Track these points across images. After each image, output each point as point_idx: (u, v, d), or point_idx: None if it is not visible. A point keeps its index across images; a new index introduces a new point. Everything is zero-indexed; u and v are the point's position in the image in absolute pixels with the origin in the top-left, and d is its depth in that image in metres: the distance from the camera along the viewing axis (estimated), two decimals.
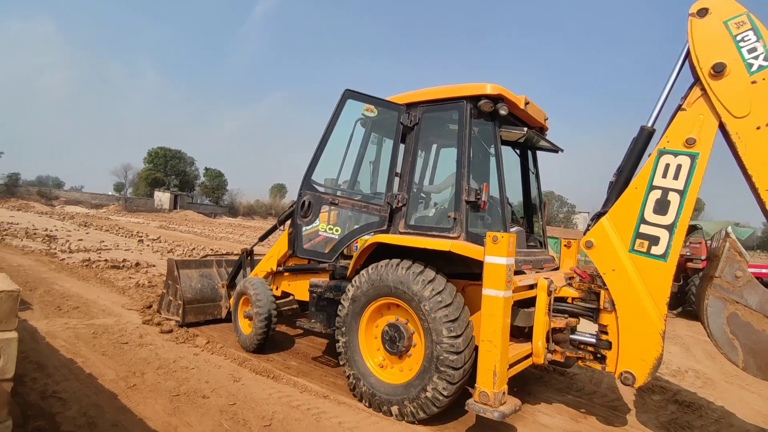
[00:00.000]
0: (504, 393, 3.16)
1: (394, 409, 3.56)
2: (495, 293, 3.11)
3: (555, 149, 4.64)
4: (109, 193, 58.79)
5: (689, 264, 10.90)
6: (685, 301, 10.37)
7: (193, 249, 14.58)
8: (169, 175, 61.46)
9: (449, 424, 3.60)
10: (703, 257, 10.79)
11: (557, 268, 4.59)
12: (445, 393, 3.34)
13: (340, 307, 4.01)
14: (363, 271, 3.89)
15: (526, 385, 4.60)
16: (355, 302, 3.87)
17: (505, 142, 4.60)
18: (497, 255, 3.11)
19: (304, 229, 4.14)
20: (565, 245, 4.88)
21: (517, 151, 4.79)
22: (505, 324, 3.14)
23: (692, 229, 11.30)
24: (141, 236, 18.23)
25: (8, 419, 1.64)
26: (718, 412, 4.39)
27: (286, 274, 5.35)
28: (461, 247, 3.45)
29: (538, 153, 4.90)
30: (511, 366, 3.44)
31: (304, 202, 4.13)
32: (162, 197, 54.39)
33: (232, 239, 21.31)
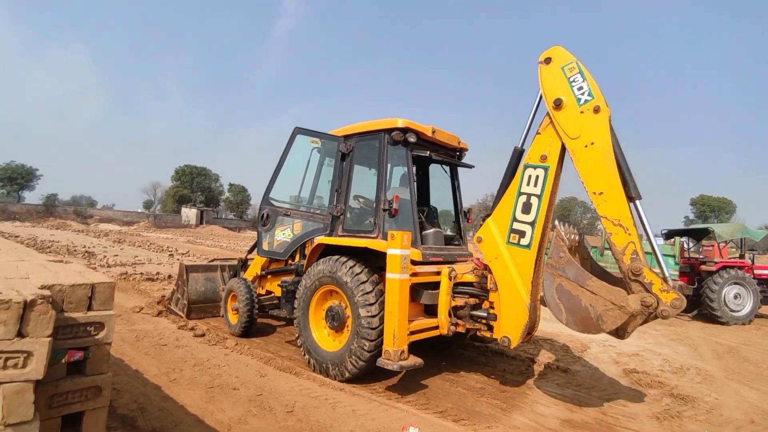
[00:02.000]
0: (403, 351, 4.20)
1: (331, 369, 4.62)
2: (394, 276, 4.18)
3: (468, 166, 5.68)
4: (139, 210, 62.11)
5: (703, 267, 10.69)
6: (701, 303, 10.16)
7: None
8: (195, 191, 64.54)
9: (468, 418, 3.96)
10: (717, 260, 10.64)
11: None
12: (364, 357, 4.38)
13: (297, 294, 5.14)
14: (312, 266, 5.02)
15: (529, 379, 5.06)
16: (307, 290, 4.99)
17: (436, 162, 5.68)
18: (395, 248, 4.19)
19: (263, 235, 5.31)
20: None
21: (446, 170, 5.85)
22: (402, 299, 4.19)
23: (705, 233, 11.38)
24: (171, 251, 19.27)
25: (109, 371, 2.13)
26: (711, 403, 4.60)
27: (268, 276, 6.55)
28: (374, 243, 4.54)
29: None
30: (417, 333, 4.48)
31: (263, 214, 5.31)
32: (189, 213, 57.07)
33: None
